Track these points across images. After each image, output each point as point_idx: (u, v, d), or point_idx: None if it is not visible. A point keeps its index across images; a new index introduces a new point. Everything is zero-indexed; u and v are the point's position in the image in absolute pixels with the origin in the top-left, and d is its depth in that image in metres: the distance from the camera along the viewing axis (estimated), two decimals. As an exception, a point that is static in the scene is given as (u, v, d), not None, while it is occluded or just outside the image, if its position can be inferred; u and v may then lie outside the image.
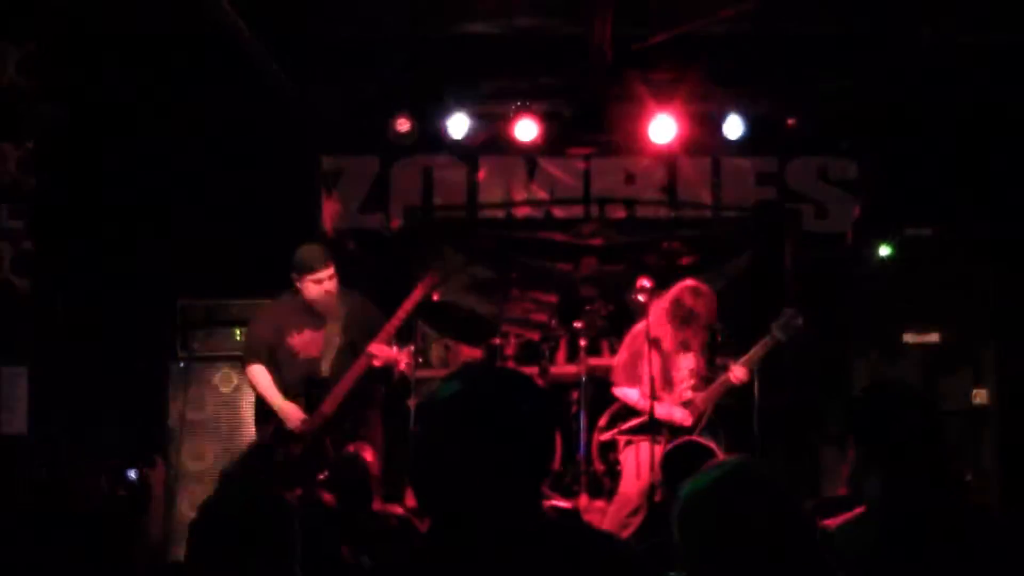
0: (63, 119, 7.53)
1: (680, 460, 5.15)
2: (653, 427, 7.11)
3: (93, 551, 4.22)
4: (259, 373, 6.96)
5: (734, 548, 2.43)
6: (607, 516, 7.36)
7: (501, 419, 2.37)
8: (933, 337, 8.29)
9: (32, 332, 7.03)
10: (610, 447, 7.85)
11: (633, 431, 7.24)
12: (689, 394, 7.33)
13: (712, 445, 6.95)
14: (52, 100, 7.27)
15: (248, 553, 3.00)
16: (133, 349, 8.35)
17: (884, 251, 8.50)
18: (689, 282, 7.53)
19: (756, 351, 7.31)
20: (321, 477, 6.63)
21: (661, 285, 7.86)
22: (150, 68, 8.25)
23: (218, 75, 8.44)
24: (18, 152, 6.83)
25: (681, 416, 7.26)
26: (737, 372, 7.27)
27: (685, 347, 7.41)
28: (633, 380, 7.29)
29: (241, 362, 7.25)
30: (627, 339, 7.58)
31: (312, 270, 6.85)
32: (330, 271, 6.90)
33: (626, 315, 8.47)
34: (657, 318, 7.38)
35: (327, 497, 4.97)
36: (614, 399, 7.76)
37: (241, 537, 3.02)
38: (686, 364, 7.42)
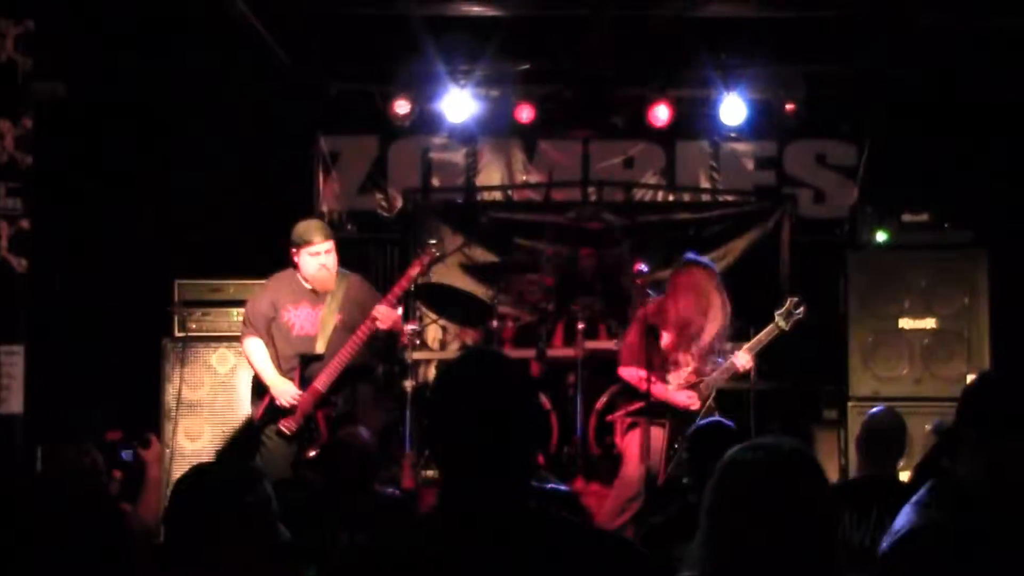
0: (61, 97, 7.51)
1: (709, 439, 5.14)
2: (657, 410, 7.10)
3: (87, 529, 4.22)
4: (255, 347, 6.95)
5: (766, 527, 2.48)
6: (607, 500, 7.35)
7: (493, 401, 2.42)
8: (929, 322, 8.30)
9: (29, 311, 7.01)
10: (607, 430, 7.85)
11: (638, 413, 7.21)
12: (694, 378, 7.31)
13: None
14: (50, 78, 7.24)
15: (220, 524, 3.01)
16: (130, 328, 8.36)
17: (881, 236, 8.51)
18: (693, 264, 7.47)
19: (759, 339, 7.31)
20: (312, 454, 6.64)
21: (658, 269, 7.86)
22: (149, 47, 8.23)
23: (217, 55, 8.43)
24: (16, 130, 6.80)
25: (686, 399, 7.24)
26: (741, 359, 7.25)
27: (691, 334, 7.36)
28: (640, 361, 7.26)
29: (240, 335, 7.23)
30: (636, 319, 7.54)
31: (309, 242, 6.82)
32: (328, 245, 6.87)
33: (623, 298, 8.47)
34: (667, 299, 7.36)
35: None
36: (611, 382, 7.76)
37: (213, 508, 3.03)
38: (693, 347, 7.39)
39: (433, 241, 7.21)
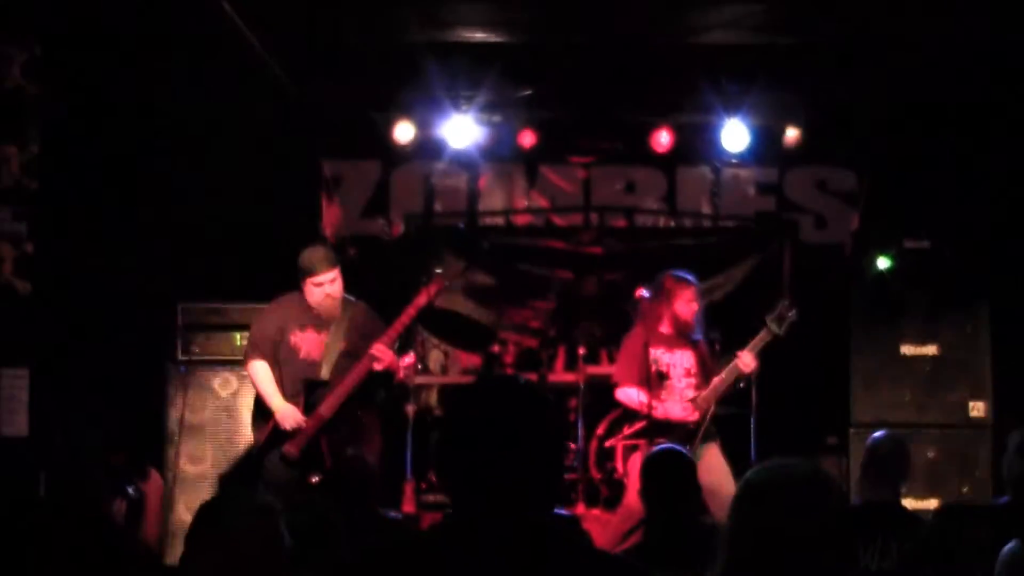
0: (67, 122, 7.55)
1: (661, 468, 5.12)
2: (658, 430, 7.09)
3: (89, 555, 4.24)
4: (261, 369, 6.95)
5: (786, 547, 2.50)
6: (609, 526, 7.33)
7: (520, 431, 2.41)
8: (931, 349, 8.31)
9: (33, 334, 7.03)
10: (608, 455, 7.85)
11: (638, 435, 7.20)
12: (691, 392, 7.32)
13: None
14: (56, 102, 7.28)
15: (241, 560, 3.03)
16: (133, 352, 8.35)
17: (883, 263, 8.53)
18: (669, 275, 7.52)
19: (755, 344, 7.29)
20: (315, 479, 6.64)
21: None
22: (153, 72, 8.26)
23: (220, 79, 8.46)
24: (21, 155, 6.83)
25: (683, 413, 7.24)
26: (746, 359, 7.22)
27: (679, 342, 7.38)
28: (633, 381, 7.28)
29: (243, 357, 7.23)
30: (625, 342, 7.57)
31: (313, 273, 6.85)
32: (332, 275, 6.89)
33: (624, 323, 8.49)
34: (649, 317, 7.40)
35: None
36: (612, 407, 7.77)
37: (234, 544, 3.05)
38: (683, 362, 7.41)
39: (439, 272, 7.21)
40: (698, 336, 7.44)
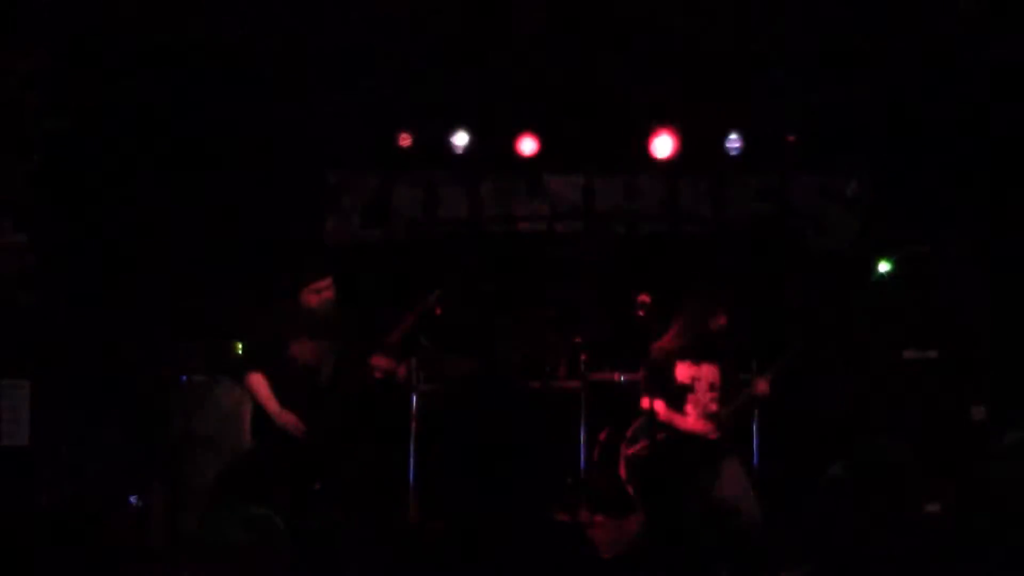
0: (68, 133, 7.57)
1: (649, 473, 5.16)
2: (679, 443, 7.12)
3: (92, 565, 4.25)
4: (259, 381, 6.97)
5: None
6: (621, 531, 7.33)
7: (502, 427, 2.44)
8: (932, 354, 8.32)
9: (35, 345, 7.05)
10: (612, 461, 7.86)
11: (656, 446, 7.22)
12: (714, 407, 7.34)
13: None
14: (57, 114, 7.30)
15: (242, 571, 3.06)
16: (136, 362, 8.37)
17: (884, 268, 8.53)
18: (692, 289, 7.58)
19: (780, 364, 7.34)
20: (317, 487, 6.66)
21: (661, 301, 7.89)
22: (154, 83, 8.28)
23: (222, 89, 8.48)
24: (23, 166, 6.85)
25: (705, 429, 7.26)
26: (762, 386, 7.29)
27: (704, 357, 7.40)
28: (656, 393, 7.30)
29: (241, 369, 7.24)
30: (650, 352, 7.58)
31: (312, 281, 6.89)
32: (328, 282, 6.94)
33: (627, 330, 8.50)
34: (673, 330, 7.44)
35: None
36: (615, 413, 7.78)
37: (235, 556, 3.08)
38: (708, 375, 7.42)
39: (435, 292, 7.25)
40: (724, 350, 7.48)
